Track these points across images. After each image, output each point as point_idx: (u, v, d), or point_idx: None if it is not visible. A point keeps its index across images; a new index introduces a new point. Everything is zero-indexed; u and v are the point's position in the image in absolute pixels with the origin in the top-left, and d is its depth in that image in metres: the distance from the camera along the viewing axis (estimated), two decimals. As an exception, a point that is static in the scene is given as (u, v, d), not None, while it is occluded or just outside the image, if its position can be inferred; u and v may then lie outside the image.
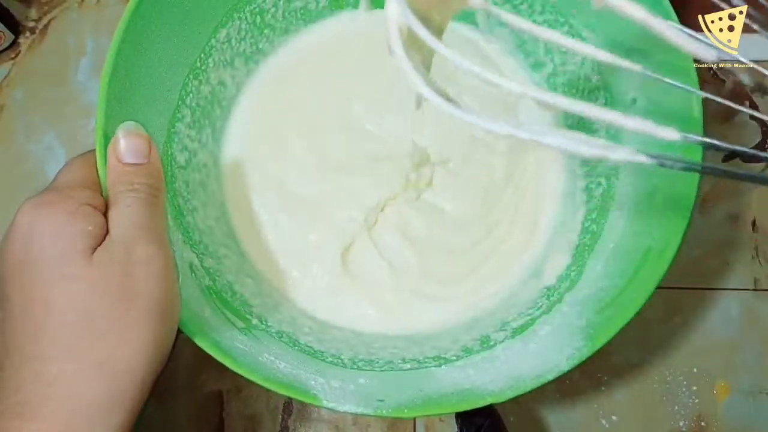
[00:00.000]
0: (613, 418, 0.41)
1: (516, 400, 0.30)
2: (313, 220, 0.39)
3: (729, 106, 0.20)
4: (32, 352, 0.25)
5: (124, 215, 0.27)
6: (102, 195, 0.29)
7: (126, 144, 0.29)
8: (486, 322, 0.37)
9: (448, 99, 0.18)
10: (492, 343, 0.34)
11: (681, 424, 0.41)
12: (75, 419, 0.24)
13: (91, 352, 0.25)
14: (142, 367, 0.26)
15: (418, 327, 0.37)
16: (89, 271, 0.25)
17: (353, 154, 0.40)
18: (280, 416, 0.41)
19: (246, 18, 0.39)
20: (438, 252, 0.39)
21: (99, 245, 0.26)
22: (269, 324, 0.35)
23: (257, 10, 0.39)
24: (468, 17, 0.42)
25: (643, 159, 0.17)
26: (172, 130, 0.36)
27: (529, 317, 0.35)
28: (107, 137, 0.31)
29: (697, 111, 0.30)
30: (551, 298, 0.35)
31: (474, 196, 0.40)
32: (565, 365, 0.30)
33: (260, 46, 0.41)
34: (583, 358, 0.30)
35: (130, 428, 0.26)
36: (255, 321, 0.35)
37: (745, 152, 0.18)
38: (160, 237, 0.28)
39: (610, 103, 0.36)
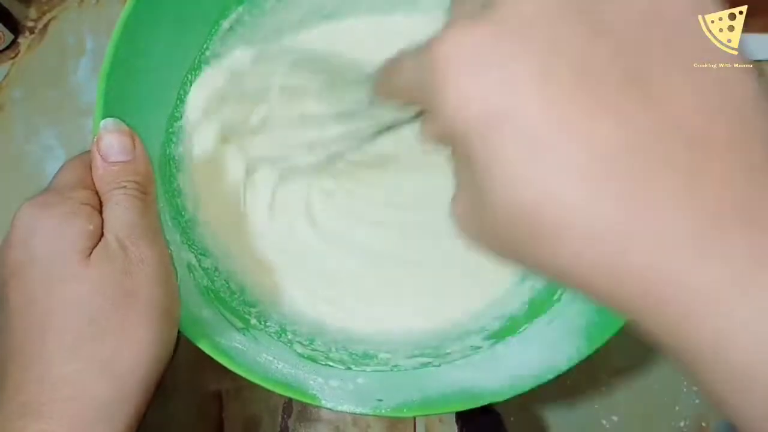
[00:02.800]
0: (614, 418, 0.41)
1: (516, 400, 0.30)
2: (310, 218, 0.39)
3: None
4: (35, 353, 0.24)
5: (115, 213, 0.27)
6: None
7: (108, 142, 0.29)
8: (485, 320, 0.37)
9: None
10: (491, 342, 0.34)
11: (681, 424, 0.41)
12: (80, 419, 0.24)
13: (95, 353, 0.25)
14: (145, 366, 0.26)
15: (417, 326, 0.37)
16: (88, 271, 0.25)
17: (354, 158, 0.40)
18: (279, 416, 0.41)
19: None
20: (434, 251, 0.39)
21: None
22: (268, 324, 0.35)
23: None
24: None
25: None
26: (170, 129, 0.36)
27: (528, 316, 0.35)
28: (105, 138, 0.31)
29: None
30: (551, 297, 0.35)
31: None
32: (565, 364, 0.30)
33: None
34: (583, 357, 0.30)
35: (136, 428, 0.26)
36: (254, 321, 0.35)
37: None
38: (153, 234, 0.28)
39: None
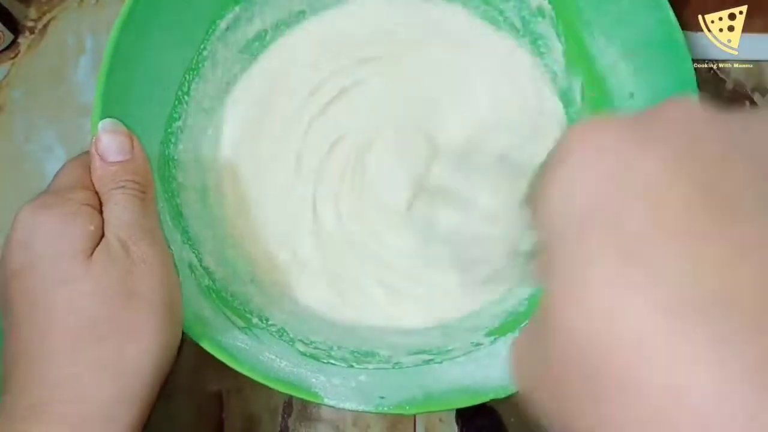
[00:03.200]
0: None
1: (516, 400, 0.30)
2: (311, 217, 0.39)
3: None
4: (37, 355, 0.24)
5: (115, 213, 0.27)
6: None
7: (106, 142, 0.29)
8: (486, 316, 0.37)
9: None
10: (492, 339, 0.34)
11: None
12: (84, 421, 0.24)
13: (97, 354, 0.25)
14: (149, 367, 0.26)
15: (417, 324, 0.37)
16: (90, 272, 0.25)
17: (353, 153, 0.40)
18: (280, 416, 0.41)
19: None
20: (436, 245, 0.39)
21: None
22: (270, 323, 0.35)
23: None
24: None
25: None
26: (169, 130, 0.36)
27: (529, 312, 0.35)
28: (104, 138, 0.31)
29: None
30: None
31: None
32: None
33: (256, 43, 0.41)
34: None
35: (141, 428, 0.26)
36: (255, 320, 0.35)
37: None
38: (153, 233, 0.28)
39: (609, 94, 0.36)
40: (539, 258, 0.16)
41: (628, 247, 0.12)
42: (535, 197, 0.17)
